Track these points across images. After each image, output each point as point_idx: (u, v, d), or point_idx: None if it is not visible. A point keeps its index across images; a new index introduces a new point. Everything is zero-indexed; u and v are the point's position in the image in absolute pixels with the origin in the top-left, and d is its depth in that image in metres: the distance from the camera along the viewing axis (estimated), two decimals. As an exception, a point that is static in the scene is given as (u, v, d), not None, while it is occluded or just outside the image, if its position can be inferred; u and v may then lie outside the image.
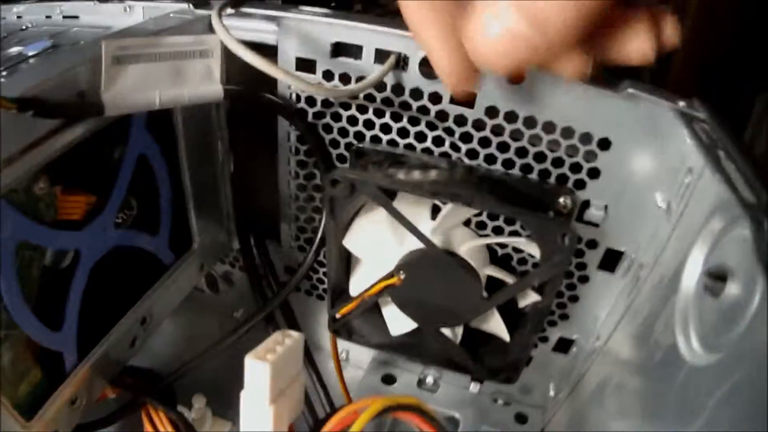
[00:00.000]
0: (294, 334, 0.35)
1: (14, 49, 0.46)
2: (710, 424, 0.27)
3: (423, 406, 0.36)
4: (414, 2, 0.31)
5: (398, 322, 0.47)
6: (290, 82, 0.43)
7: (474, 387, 0.60)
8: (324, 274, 0.58)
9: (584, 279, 0.47)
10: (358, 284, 0.47)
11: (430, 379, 0.61)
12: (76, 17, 0.54)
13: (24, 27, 0.55)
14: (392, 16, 0.40)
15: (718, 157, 0.33)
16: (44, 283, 0.41)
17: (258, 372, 0.32)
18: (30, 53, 0.44)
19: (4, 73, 0.40)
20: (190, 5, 0.47)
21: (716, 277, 0.29)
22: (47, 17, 0.56)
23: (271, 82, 0.47)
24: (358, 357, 0.63)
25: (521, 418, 0.59)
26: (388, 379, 0.61)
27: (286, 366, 0.33)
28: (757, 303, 0.25)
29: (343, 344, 0.59)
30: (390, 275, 0.43)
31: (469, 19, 0.27)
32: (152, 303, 0.48)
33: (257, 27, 0.45)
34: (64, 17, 0.55)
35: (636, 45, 0.29)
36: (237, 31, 0.43)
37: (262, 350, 0.33)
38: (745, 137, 0.54)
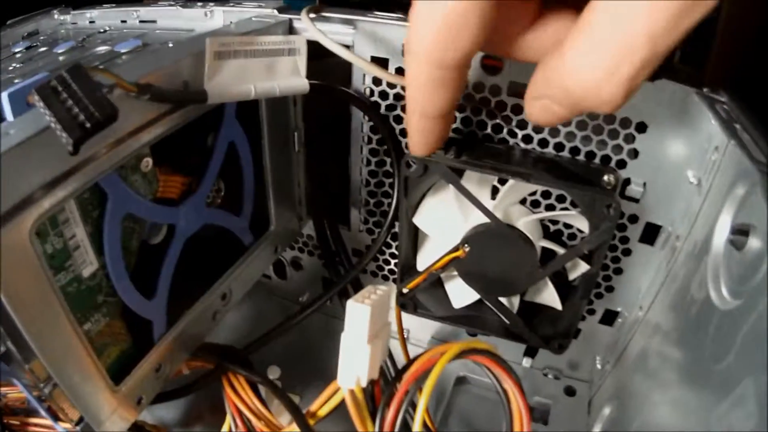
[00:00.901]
0: (383, 287, 0.39)
1: (102, 48, 0.50)
2: (739, 355, 0.31)
3: (494, 350, 0.40)
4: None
5: (460, 295, 0.51)
6: (377, 74, 0.47)
7: (526, 362, 0.64)
8: (390, 255, 0.63)
9: (627, 252, 0.51)
10: (424, 260, 0.51)
11: (485, 355, 0.64)
12: (154, 21, 0.58)
13: (102, 30, 0.59)
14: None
15: (735, 129, 0.38)
16: (141, 255, 0.45)
17: (359, 313, 0.36)
18: (122, 50, 0.48)
19: (101, 67, 0.45)
20: (275, 10, 0.52)
21: (741, 232, 0.33)
22: (123, 21, 0.60)
23: (344, 79, 0.52)
24: (418, 336, 0.67)
25: (570, 391, 0.63)
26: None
27: (379, 312, 0.37)
28: None
29: (404, 324, 0.64)
30: (456, 248, 0.47)
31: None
32: (232, 280, 0.52)
33: (336, 29, 0.50)
34: (140, 21, 0.59)
35: None
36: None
37: (360, 296, 0.37)
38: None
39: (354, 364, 0.37)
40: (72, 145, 0.29)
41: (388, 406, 0.38)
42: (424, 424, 0.48)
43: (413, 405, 0.38)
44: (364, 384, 0.37)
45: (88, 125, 0.29)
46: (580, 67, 0.28)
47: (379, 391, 0.40)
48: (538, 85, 0.33)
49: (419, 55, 0.33)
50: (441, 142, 0.42)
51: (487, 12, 0.30)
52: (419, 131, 0.40)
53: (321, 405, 0.41)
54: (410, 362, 0.39)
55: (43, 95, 0.29)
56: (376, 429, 0.38)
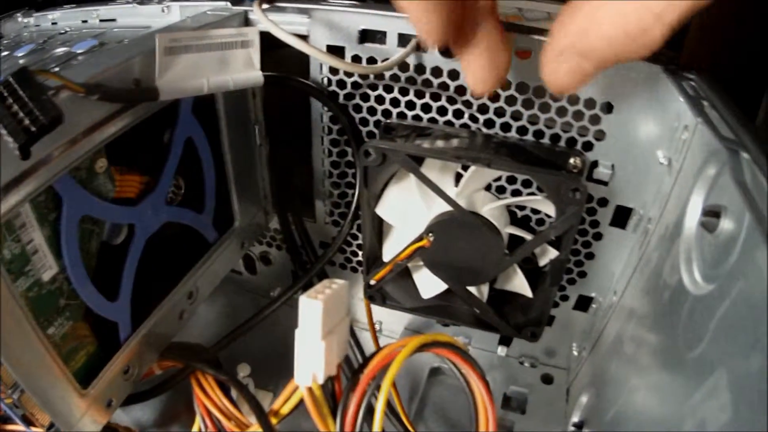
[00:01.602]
0: (339, 281, 0.38)
1: (61, 50, 0.49)
2: (712, 342, 0.30)
3: (456, 342, 0.40)
4: None
5: (428, 285, 0.51)
6: (330, 62, 0.47)
7: (501, 350, 0.63)
8: (357, 246, 0.62)
9: (598, 236, 0.51)
10: (390, 250, 0.51)
11: (459, 345, 0.64)
12: (113, 20, 0.58)
13: (63, 31, 0.58)
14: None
15: (702, 107, 0.37)
16: (102, 256, 0.44)
17: (311, 310, 0.35)
18: (78, 51, 0.48)
19: (57, 69, 0.44)
20: (228, 3, 0.51)
21: (712, 214, 0.32)
22: (83, 21, 0.60)
23: (302, 70, 0.51)
24: (391, 327, 0.67)
25: (547, 379, 0.62)
26: (420, 347, 0.64)
27: (334, 307, 0.37)
28: (745, 230, 0.28)
29: (376, 316, 0.63)
30: (420, 238, 0.46)
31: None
32: (198, 278, 0.52)
33: (290, 19, 0.49)
34: (101, 21, 0.59)
35: None
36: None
37: (313, 292, 0.36)
38: (757, 122, 0.56)
39: (309, 361, 0.37)
40: (18, 149, 0.29)
41: (348, 403, 0.38)
42: (398, 417, 0.48)
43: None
44: (320, 381, 0.37)
45: (33, 129, 0.30)
46: (629, 12, 0.26)
47: (340, 388, 0.39)
48: (570, 36, 0.30)
49: None
50: (455, 22, 0.34)
51: None
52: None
53: (282, 403, 0.40)
54: (369, 358, 0.39)
55: None
56: (337, 427, 0.38)
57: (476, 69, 0.37)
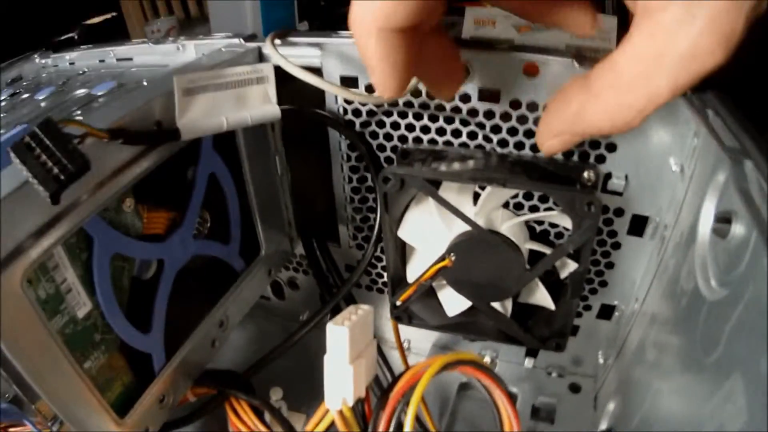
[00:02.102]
0: (365, 306, 0.40)
1: (81, 91, 0.51)
2: (727, 347, 0.30)
3: (480, 360, 0.41)
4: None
5: (453, 303, 0.51)
6: (343, 95, 0.48)
7: (528, 362, 0.64)
8: (382, 268, 0.63)
9: (616, 245, 0.51)
10: (414, 271, 0.51)
11: (487, 359, 0.64)
12: (130, 59, 0.59)
13: (81, 72, 0.60)
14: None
15: (707, 116, 0.38)
16: (133, 291, 0.45)
17: (338, 336, 0.36)
18: (99, 93, 0.49)
19: (78, 112, 0.45)
20: (241, 39, 0.52)
21: (723, 220, 0.33)
22: (101, 61, 0.61)
23: (318, 100, 0.52)
24: (419, 345, 0.67)
25: (575, 388, 0.63)
26: (448, 363, 0.65)
27: (361, 332, 0.38)
28: (755, 236, 0.28)
29: (404, 334, 0.64)
30: (442, 258, 0.47)
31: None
32: (228, 306, 0.53)
33: (303, 53, 0.50)
34: (117, 60, 0.60)
35: None
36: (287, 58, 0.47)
37: (339, 318, 0.38)
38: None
39: (339, 385, 0.38)
40: (49, 197, 0.31)
41: (377, 423, 0.39)
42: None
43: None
44: (350, 403, 0.38)
45: (62, 177, 0.31)
46: (616, 107, 0.31)
47: (369, 409, 0.40)
48: (565, 122, 0.34)
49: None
50: (409, 73, 0.35)
51: None
52: (380, 52, 0.33)
53: (314, 426, 0.41)
54: (396, 379, 0.40)
55: (18, 152, 0.30)
56: (368, 447, 0.39)
57: (432, 80, 0.41)
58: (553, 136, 0.35)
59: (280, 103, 0.47)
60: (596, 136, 0.34)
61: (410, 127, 0.51)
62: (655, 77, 0.29)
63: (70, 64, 0.65)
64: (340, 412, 0.38)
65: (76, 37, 0.84)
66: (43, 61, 0.67)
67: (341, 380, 0.37)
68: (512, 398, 0.59)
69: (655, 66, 0.28)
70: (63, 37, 0.81)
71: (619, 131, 0.32)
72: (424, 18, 0.32)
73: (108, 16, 0.94)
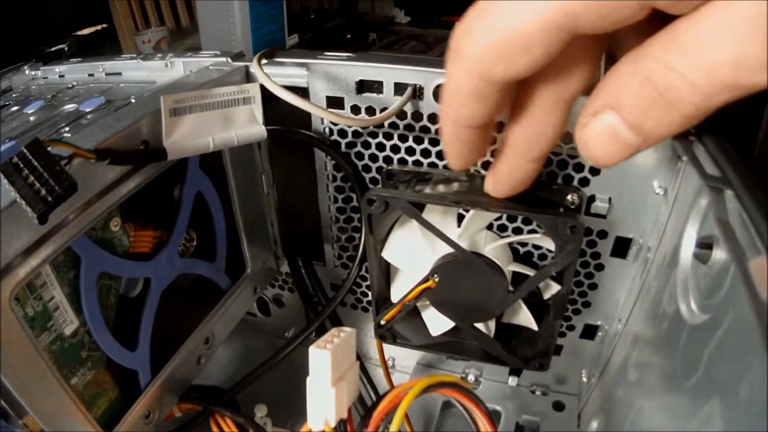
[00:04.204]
0: (347, 329, 0.40)
1: (69, 106, 0.51)
2: (706, 372, 0.31)
3: (461, 382, 0.41)
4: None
5: (437, 323, 0.51)
6: (327, 117, 0.48)
7: (512, 380, 0.64)
8: (366, 287, 0.63)
9: (600, 267, 0.52)
10: (398, 291, 0.51)
11: (471, 377, 0.65)
12: (119, 74, 0.60)
13: (70, 85, 0.60)
14: (405, 42, 0.43)
15: (690, 142, 0.38)
16: (120, 308, 0.46)
17: (320, 359, 0.36)
18: (87, 109, 0.49)
19: (66, 128, 0.45)
20: (229, 59, 0.53)
21: (705, 245, 0.33)
22: (90, 75, 0.62)
23: (305, 120, 0.52)
24: (404, 363, 0.68)
25: (559, 406, 0.63)
26: (433, 381, 0.65)
27: (343, 354, 0.38)
28: (734, 263, 0.28)
29: (389, 352, 0.64)
30: (426, 279, 0.47)
31: None
32: (214, 324, 0.53)
33: (290, 73, 0.51)
34: (106, 74, 0.60)
35: None
36: (273, 77, 0.48)
37: (322, 342, 0.38)
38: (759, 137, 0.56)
39: (321, 406, 0.38)
40: (37, 218, 0.31)
41: (359, 445, 0.39)
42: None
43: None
44: (333, 424, 0.38)
45: (50, 199, 0.31)
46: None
47: (352, 429, 0.40)
48: (613, 92, 0.27)
49: (466, 59, 0.29)
50: (478, 156, 0.37)
51: (555, 46, 0.26)
52: (451, 141, 0.36)
53: (297, 447, 0.42)
54: (378, 400, 0.40)
55: (6, 173, 0.30)
56: (350, 467, 0.39)
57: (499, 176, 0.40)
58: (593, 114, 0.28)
59: (268, 121, 0.48)
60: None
61: (395, 149, 0.52)
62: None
63: (60, 76, 0.65)
64: (322, 432, 0.38)
65: (66, 48, 0.84)
66: (33, 72, 0.67)
67: (323, 402, 0.38)
68: (496, 416, 0.60)
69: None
70: (53, 49, 0.81)
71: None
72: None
73: (98, 27, 0.94)
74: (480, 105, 0.31)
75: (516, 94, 0.33)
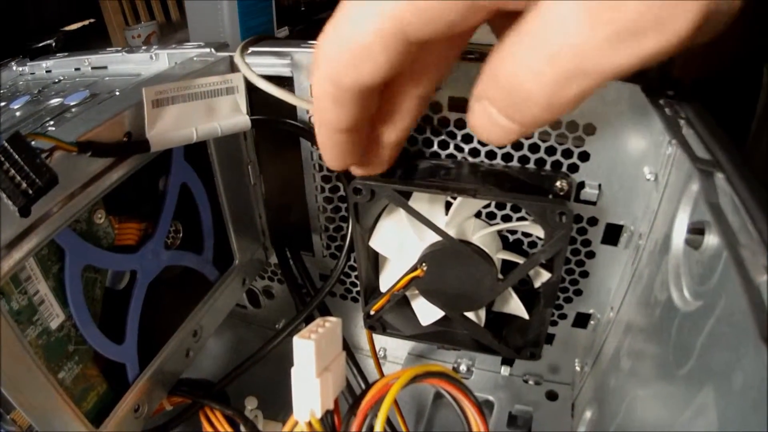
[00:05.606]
0: (333, 318, 0.39)
1: (55, 101, 0.50)
2: (699, 360, 0.30)
3: (449, 372, 0.40)
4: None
5: (427, 312, 0.51)
6: (305, 107, 0.48)
7: (505, 370, 0.64)
8: (355, 278, 0.63)
9: (591, 254, 0.51)
10: (387, 281, 0.51)
11: (463, 367, 0.65)
12: (105, 67, 0.59)
13: (56, 80, 0.59)
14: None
15: (679, 126, 0.37)
16: (106, 301, 0.45)
17: (304, 349, 0.36)
18: (71, 103, 0.49)
19: (51, 122, 0.45)
20: (212, 49, 0.52)
21: (697, 231, 0.33)
22: (76, 69, 0.61)
23: (291, 109, 0.52)
24: (395, 353, 0.67)
25: (552, 396, 0.63)
26: (424, 371, 0.65)
27: (328, 345, 0.38)
28: (726, 248, 0.28)
29: (380, 342, 0.64)
30: (414, 268, 0.47)
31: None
32: (202, 316, 0.53)
33: (273, 62, 0.50)
34: (92, 68, 0.60)
35: None
36: (257, 67, 0.47)
37: (306, 332, 0.37)
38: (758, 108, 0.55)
39: (307, 398, 0.38)
40: (18, 211, 0.31)
41: (347, 435, 0.39)
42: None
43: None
44: (318, 415, 0.38)
45: (30, 192, 0.31)
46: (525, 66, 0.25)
47: (339, 420, 0.40)
48: (484, 83, 0.28)
49: (321, 66, 0.31)
50: (355, 158, 0.39)
51: (398, 53, 0.28)
52: (325, 144, 0.37)
53: (284, 439, 0.41)
54: (366, 390, 0.40)
55: None
56: (338, 458, 0.39)
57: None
58: (474, 100, 0.29)
59: (254, 111, 0.47)
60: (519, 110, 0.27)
61: (382, 137, 0.51)
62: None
63: (47, 71, 0.64)
64: (309, 424, 0.38)
65: (53, 43, 0.83)
66: (21, 68, 0.67)
67: (309, 393, 0.37)
68: (489, 406, 0.60)
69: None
70: (41, 44, 0.81)
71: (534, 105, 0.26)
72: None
73: (86, 22, 0.93)
74: (341, 110, 0.33)
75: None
